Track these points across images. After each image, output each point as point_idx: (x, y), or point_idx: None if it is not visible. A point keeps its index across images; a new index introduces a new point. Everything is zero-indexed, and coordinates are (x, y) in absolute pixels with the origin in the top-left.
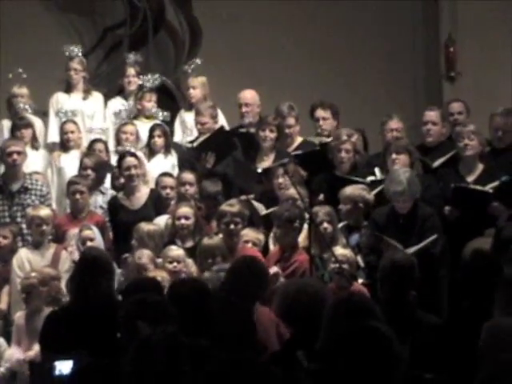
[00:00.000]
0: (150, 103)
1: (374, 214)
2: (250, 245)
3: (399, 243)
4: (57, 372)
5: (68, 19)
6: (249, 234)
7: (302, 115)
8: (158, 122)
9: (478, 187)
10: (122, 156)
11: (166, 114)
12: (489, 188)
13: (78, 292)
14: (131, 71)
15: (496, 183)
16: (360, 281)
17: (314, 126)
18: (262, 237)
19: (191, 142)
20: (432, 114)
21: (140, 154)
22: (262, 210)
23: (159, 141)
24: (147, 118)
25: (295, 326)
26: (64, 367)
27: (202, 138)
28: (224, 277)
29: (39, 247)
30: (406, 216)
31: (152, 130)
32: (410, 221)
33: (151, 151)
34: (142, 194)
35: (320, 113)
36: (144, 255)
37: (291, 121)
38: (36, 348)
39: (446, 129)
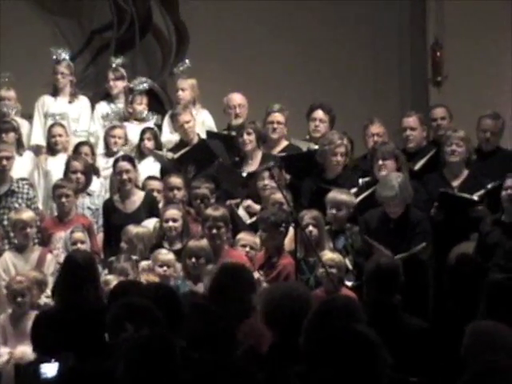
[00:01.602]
0: (141, 106)
1: (365, 216)
2: (247, 249)
3: (389, 248)
4: (42, 375)
5: (54, 22)
6: (245, 237)
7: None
8: (149, 125)
9: (465, 195)
10: (116, 160)
11: (157, 117)
12: (475, 196)
13: (64, 295)
14: (110, 75)
15: (482, 191)
16: (349, 283)
17: (307, 127)
18: (257, 240)
19: (172, 149)
20: (410, 120)
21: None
22: (247, 218)
23: (149, 144)
24: (138, 120)
25: (279, 330)
26: (50, 370)
27: (182, 151)
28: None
29: (23, 251)
30: (397, 220)
31: (142, 132)
32: (401, 225)
33: (141, 154)
34: (137, 197)
35: (319, 113)
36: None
37: (280, 118)
38: (22, 348)
39: (426, 132)
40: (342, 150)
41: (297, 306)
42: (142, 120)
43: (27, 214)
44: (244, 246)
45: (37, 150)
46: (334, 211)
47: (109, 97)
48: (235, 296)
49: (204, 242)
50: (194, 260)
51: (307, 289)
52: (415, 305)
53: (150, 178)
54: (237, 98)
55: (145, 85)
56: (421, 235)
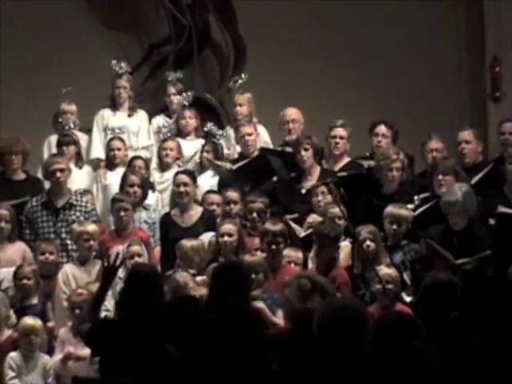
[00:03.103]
0: (192, 120)
1: (429, 231)
2: (292, 265)
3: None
4: None
5: (113, 36)
6: (290, 253)
7: None
8: (211, 138)
9: None
10: (177, 173)
11: (221, 132)
12: None
13: (127, 308)
14: (171, 90)
15: None
16: (408, 299)
17: (370, 142)
18: (301, 255)
19: (233, 161)
20: (465, 134)
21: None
22: (300, 231)
23: (208, 157)
24: (189, 134)
25: (334, 343)
26: None
27: (241, 162)
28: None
29: (85, 263)
30: (460, 236)
31: (204, 145)
32: (465, 241)
33: (201, 167)
34: (195, 212)
35: (382, 129)
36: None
37: (342, 132)
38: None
39: (481, 147)
40: (398, 165)
41: (351, 321)
42: (196, 134)
43: (91, 227)
44: (289, 262)
45: (96, 163)
46: (393, 226)
47: (166, 111)
48: None
49: (259, 257)
50: (253, 276)
51: (362, 304)
52: (476, 320)
53: (210, 191)
54: (291, 113)
55: (189, 98)
56: (485, 250)
